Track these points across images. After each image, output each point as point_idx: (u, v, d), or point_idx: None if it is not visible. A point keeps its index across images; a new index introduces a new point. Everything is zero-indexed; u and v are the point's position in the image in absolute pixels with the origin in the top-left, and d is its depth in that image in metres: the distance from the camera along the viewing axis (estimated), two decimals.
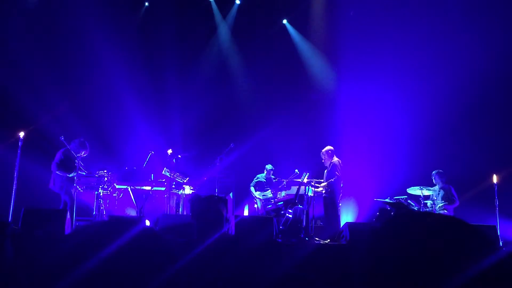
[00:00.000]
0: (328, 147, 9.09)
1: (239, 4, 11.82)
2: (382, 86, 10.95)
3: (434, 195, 8.89)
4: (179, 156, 8.98)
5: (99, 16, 10.60)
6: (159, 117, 11.03)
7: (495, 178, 8.38)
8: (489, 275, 0.89)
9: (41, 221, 6.63)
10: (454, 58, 10.36)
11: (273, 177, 10.09)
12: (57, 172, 8.18)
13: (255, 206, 10.08)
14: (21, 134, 7.81)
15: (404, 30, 10.59)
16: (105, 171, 8.34)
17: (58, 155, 8.29)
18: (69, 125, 9.84)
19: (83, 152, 8.25)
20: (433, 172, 9.20)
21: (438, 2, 10.84)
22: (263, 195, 9.90)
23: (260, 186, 10.10)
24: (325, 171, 9.05)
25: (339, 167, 8.84)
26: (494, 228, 7.47)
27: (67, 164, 8.24)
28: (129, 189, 8.71)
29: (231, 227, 7.46)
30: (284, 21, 12.08)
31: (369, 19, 11.26)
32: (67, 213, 7.02)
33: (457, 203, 8.87)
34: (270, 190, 9.89)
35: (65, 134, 8.23)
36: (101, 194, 8.28)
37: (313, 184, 8.84)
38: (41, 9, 10.02)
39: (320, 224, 9.36)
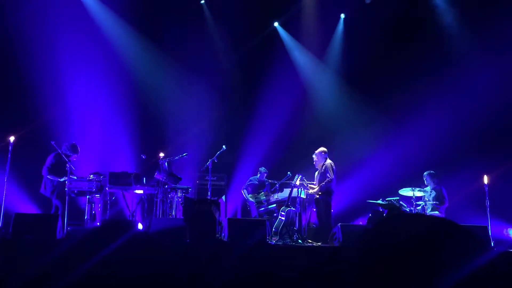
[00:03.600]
0: (321, 149, 9.09)
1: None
2: (371, 88, 11.01)
3: (426, 196, 8.94)
4: (171, 159, 8.94)
5: (90, 18, 10.59)
6: (150, 120, 10.98)
7: (485, 179, 8.44)
8: (481, 275, 0.89)
9: (32, 226, 6.58)
10: (447, 57, 10.46)
11: (266, 179, 10.10)
12: (48, 176, 8.12)
13: (248, 208, 10.08)
14: (12, 138, 7.75)
15: (396, 31, 10.65)
16: (97, 174, 8.29)
17: (49, 160, 8.23)
18: (60, 129, 9.78)
19: (73, 156, 8.21)
20: (425, 173, 9.26)
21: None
22: (255, 198, 9.90)
23: (252, 188, 10.10)
24: (316, 173, 9.06)
25: (332, 169, 8.85)
26: (485, 228, 7.53)
27: (58, 169, 8.19)
28: (122, 193, 8.66)
29: (224, 230, 7.45)
30: (276, 24, 12.09)
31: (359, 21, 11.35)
32: (58, 218, 6.98)
33: (446, 204, 8.93)
34: (263, 193, 9.90)
35: (56, 138, 8.18)
36: (93, 199, 8.23)
37: (305, 184, 8.85)
38: (33, 13, 9.97)
39: (313, 226, 9.37)
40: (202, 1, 11.75)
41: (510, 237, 9.24)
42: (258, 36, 11.64)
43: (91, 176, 8.22)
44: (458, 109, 10.20)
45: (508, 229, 9.35)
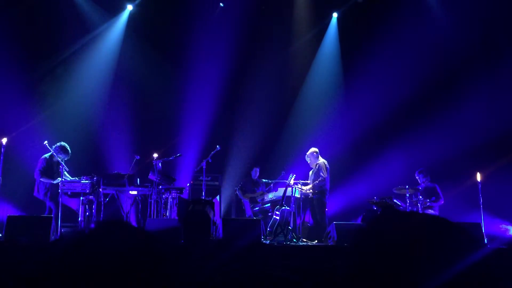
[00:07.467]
0: (313, 149, 9.11)
1: (223, 7, 11.79)
2: (366, 87, 11.03)
3: (419, 194, 8.98)
4: (164, 159, 8.93)
5: (79, 19, 10.55)
6: (144, 121, 10.95)
7: (478, 176, 8.48)
8: (474, 272, 0.90)
9: (26, 229, 6.55)
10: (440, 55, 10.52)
11: (259, 179, 10.12)
12: (40, 179, 8.06)
13: (243, 208, 10.09)
14: (4, 140, 7.69)
15: (388, 30, 10.67)
16: (89, 176, 8.25)
17: (40, 163, 8.14)
18: (52, 130, 9.71)
19: (64, 157, 8.09)
20: (417, 171, 9.30)
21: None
22: (250, 197, 9.92)
23: (247, 188, 10.11)
24: (310, 172, 9.08)
25: (326, 168, 8.88)
26: (479, 225, 7.57)
27: (51, 170, 8.14)
28: (116, 194, 8.63)
29: (218, 230, 7.45)
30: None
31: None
32: (52, 219, 6.94)
33: (441, 201, 8.97)
34: (258, 192, 9.92)
35: (49, 139, 8.11)
36: (87, 200, 8.18)
37: (300, 185, 8.87)
38: (25, 15, 9.92)
39: (308, 225, 9.39)
40: None
41: (509, 234, 9.30)
42: (251, 36, 11.59)
43: (85, 177, 8.18)
44: (454, 109, 10.25)
45: (508, 225, 9.41)
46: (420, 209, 8.77)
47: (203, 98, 11.22)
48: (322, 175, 8.76)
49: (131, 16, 11.29)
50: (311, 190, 8.83)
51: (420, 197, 8.90)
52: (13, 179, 8.68)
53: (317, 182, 8.72)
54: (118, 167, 9.81)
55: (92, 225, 7.99)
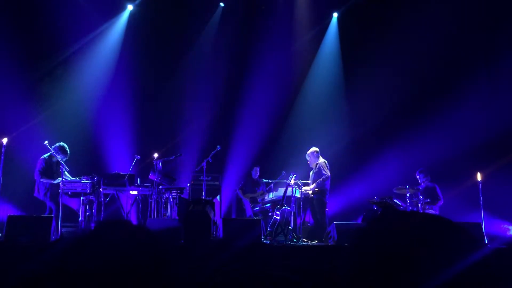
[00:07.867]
0: (313, 149, 9.12)
1: (223, 7, 11.79)
2: (366, 87, 11.02)
3: (419, 194, 8.98)
4: (165, 159, 8.92)
5: (79, 19, 10.54)
6: (144, 121, 10.95)
7: (478, 176, 8.48)
8: (474, 272, 0.90)
9: (26, 229, 6.54)
10: (437, 53, 10.51)
11: (260, 179, 10.11)
12: (41, 180, 8.04)
13: (243, 207, 10.09)
14: (4, 140, 7.68)
15: (388, 30, 10.66)
16: (90, 176, 8.24)
17: (39, 163, 8.12)
18: (52, 130, 9.71)
19: (63, 157, 8.06)
20: (417, 171, 9.30)
21: None
22: (251, 197, 9.92)
23: (248, 188, 10.11)
24: (311, 172, 9.08)
25: (326, 167, 8.88)
26: (479, 225, 7.57)
27: (50, 171, 8.12)
28: (116, 194, 8.63)
29: (218, 230, 7.45)
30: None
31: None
32: (52, 219, 6.94)
33: (441, 202, 8.97)
34: (259, 192, 9.91)
35: (49, 139, 8.10)
36: (87, 200, 8.17)
37: (300, 184, 8.87)
38: (25, 15, 9.94)
39: (308, 225, 9.39)
40: None
41: (509, 233, 9.30)
42: (251, 36, 11.59)
43: (86, 177, 8.17)
44: (454, 109, 10.24)
45: (509, 225, 9.41)
46: (420, 209, 8.77)
47: (203, 98, 11.22)
48: (325, 173, 8.77)
49: (131, 16, 11.30)
50: (316, 189, 8.81)
51: (421, 197, 8.91)
52: (13, 179, 8.67)
53: (320, 180, 8.72)
54: (119, 167, 9.80)
55: (93, 225, 7.98)
